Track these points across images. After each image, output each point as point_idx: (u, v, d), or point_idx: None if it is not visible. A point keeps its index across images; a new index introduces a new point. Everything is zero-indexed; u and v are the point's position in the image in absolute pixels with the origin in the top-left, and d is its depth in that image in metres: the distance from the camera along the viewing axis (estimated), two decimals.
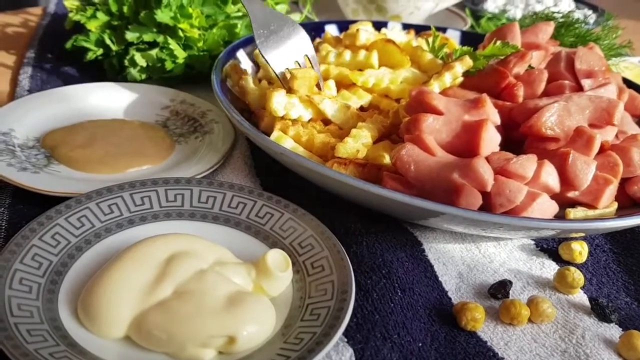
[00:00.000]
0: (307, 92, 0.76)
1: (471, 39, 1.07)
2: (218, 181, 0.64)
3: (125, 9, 0.93)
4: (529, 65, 0.82)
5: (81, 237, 0.56)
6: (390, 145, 0.72)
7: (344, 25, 1.05)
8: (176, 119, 0.82)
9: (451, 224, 0.61)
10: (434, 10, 1.24)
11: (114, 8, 0.93)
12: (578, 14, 1.40)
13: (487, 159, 0.67)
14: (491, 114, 0.69)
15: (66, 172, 0.68)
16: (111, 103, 0.83)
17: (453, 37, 1.08)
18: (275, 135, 0.71)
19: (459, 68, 0.77)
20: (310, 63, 0.78)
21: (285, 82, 0.74)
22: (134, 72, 0.90)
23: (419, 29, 1.08)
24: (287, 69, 0.76)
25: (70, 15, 0.97)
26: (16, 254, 0.51)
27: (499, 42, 0.82)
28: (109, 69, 0.94)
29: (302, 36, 0.79)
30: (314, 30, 1.04)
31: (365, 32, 0.85)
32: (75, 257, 0.54)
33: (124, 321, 0.47)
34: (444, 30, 1.10)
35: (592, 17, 1.39)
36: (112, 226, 0.58)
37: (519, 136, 0.72)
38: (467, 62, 0.78)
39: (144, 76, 0.91)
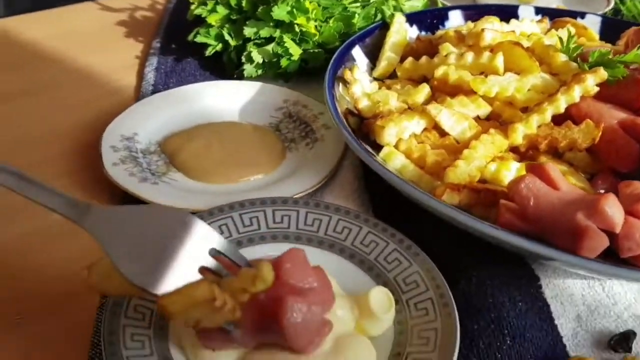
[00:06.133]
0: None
1: (613, 28, 0.96)
2: (324, 203, 0.63)
3: (244, 2, 0.93)
4: None
5: None
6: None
7: (470, 13, 0.99)
8: (289, 122, 0.82)
9: (569, 268, 0.56)
10: None
11: (233, 2, 0.93)
12: None
13: (619, 192, 0.61)
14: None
15: (183, 181, 0.71)
16: (227, 104, 0.85)
17: (592, 24, 0.98)
18: (385, 151, 0.69)
19: (591, 81, 0.69)
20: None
21: None
22: (250, 68, 0.90)
23: (554, 14, 0.99)
24: None
25: (192, 7, 0.98)
26: None
27: None
28: (227, 63, 0.95)
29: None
30: (437, 17, 0.99)
31: (490, 33, 0.78)
32: None
33: None
34: (582, 15, 1.00)
35: None
36: None
37: None
38: (601, 75, 0.70)
39: (260, 72, 0.91)
